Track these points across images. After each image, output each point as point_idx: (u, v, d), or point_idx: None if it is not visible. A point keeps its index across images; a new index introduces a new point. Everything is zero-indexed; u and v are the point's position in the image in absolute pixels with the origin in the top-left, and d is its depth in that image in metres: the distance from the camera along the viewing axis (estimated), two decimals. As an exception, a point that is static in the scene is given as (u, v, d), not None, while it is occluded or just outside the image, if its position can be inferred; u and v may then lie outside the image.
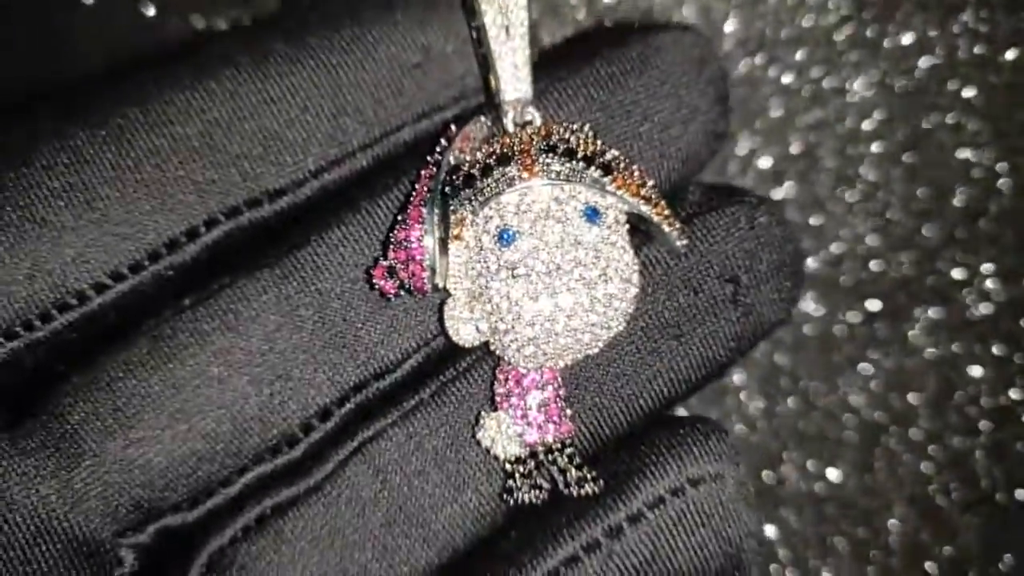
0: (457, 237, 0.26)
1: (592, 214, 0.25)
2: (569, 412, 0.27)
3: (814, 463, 0.41)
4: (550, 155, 0.26)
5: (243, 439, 0.26)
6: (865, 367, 0.40)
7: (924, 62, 0.38)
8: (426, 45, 0.28)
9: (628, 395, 0.27)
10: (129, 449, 0.26)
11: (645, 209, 0.26)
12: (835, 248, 0.39)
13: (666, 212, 0.26)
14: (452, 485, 0.26)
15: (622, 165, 0.26)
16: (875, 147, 0.38)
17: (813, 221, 0.39)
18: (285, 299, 0.26)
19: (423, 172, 0.26)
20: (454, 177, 0.26)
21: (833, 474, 0.41)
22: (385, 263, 0.26)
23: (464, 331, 0.26)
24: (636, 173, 0.26)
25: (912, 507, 0.41)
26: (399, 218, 0.26)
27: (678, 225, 0.26)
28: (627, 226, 0.26)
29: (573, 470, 0.26)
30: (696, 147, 0.29)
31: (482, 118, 0.27)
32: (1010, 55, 0.37)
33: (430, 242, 0.25)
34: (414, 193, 0.26)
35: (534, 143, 0.26)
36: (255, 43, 0.28)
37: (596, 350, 0.26)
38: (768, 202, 0.29)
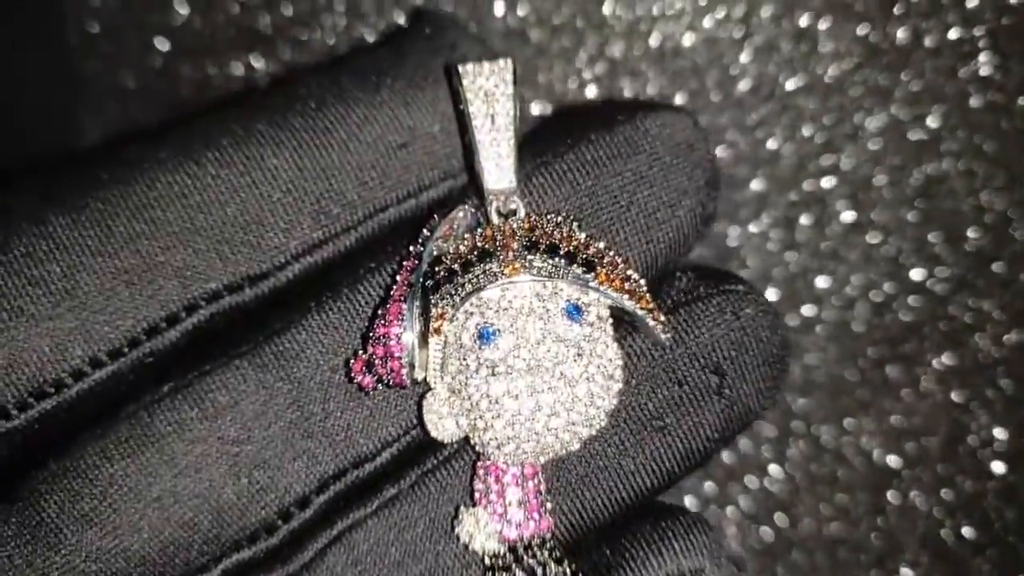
0: (437, 331, 0.26)
1: (574, 311, 0.25)
2: (549, 506, 0.27)
3: (826, 506, 0.41)
4: (532, 251, 0.25)
5: (221, 527, 0.26)
6: (877, 411, 0.40)
7: (936, 109, 0.38)
8: (411, 126, 0.28)
9: (610, 487, 0.27)
10: (106, 539, 0.25)
11: (629, 304, 0.26)
12: (848, 292, 0.39)
13: (650, 306, 0.26)
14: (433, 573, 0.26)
15: (606, 259, 0.26)
16: (887, 192, 0.39)
17: (826, 266, 0.39)
18: (263, 387, 0.26)
19: (405, 264, 0.26)
20: (436, 270, 0.26)
21: (846, 517, 0.41)
22: (364, 356, 0.26)
23: (443, 426, 0.26)
24: (620, 266, 0.26)
25: (925, 550, 0.41)
26: (379, 312, 0.26)
27: (662, 319, 0.26)
28: (611, 320, 0.26)
29: (552, 564, 0.26)
30: (684, 231, 0.29)
31: (465, 206, 0.27)
32: (1022, 102, 0.37)
33: (409, 339, 0.25)
34: (395, 286, 0.26)
35: (516, 238, 0.26)
36: (238, 124, 0.28)
37: (577, 447, 0.26)
38: (755, 292, 0.28)
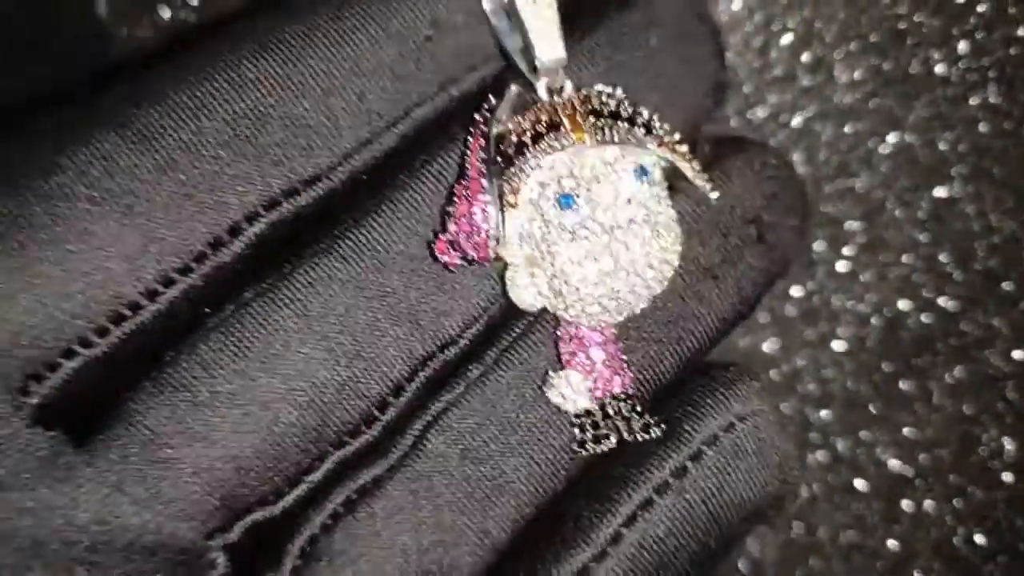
0: (512, 205, 0.26)
1: (641, 172, 0.26)
2: (627, 366, 0.28)
3: (843, 515, 0.42)
4: (596, 118, 0.26)
5: (323, 423, 0.26)
6: (891, 423, 0.41)
7: (946, 135, 0.39)
8: (435, 18, 0.28)
9: (677, 338, 0.28)
10: (214, 448, 0.25)
11: (682, 165, 0.27)
12: (862, 309, 0.41)
13: (698, 167, 0.27)
14: (527, 443, 0.27)
15: (657, 124, 0.27)
16: (899, 214, 0.40)
17: (842, 284, 0.41)
18: (348, 281, 0.26)
19: (472, 143, 0.26)
20: (502, 146, 0.26)
21: (861, 526, 0.42)
22: (446, 236, 0.26)
23: (527, 296, 0.27)
24: (670, 130, 0.27)
25: (937, 556, 0.42)
26: (456, 191, 0.26)
27: (707, 179, 0.27)
28: (663, 180, 0.27)
29: (636, 418, 0.27)
30: (701, 100, 0.30)
31: (514, 87, 0.27)
32: (1029, 130, 0.39)
33: (494, 212, 0.25)
34: (468, 165, 0.26)
35: (577, 108, 0.26)
36: (267, 30, 0.27)
37: (648, 303, 0.27)
38: (775, 149, 0.30)
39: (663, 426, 0.27)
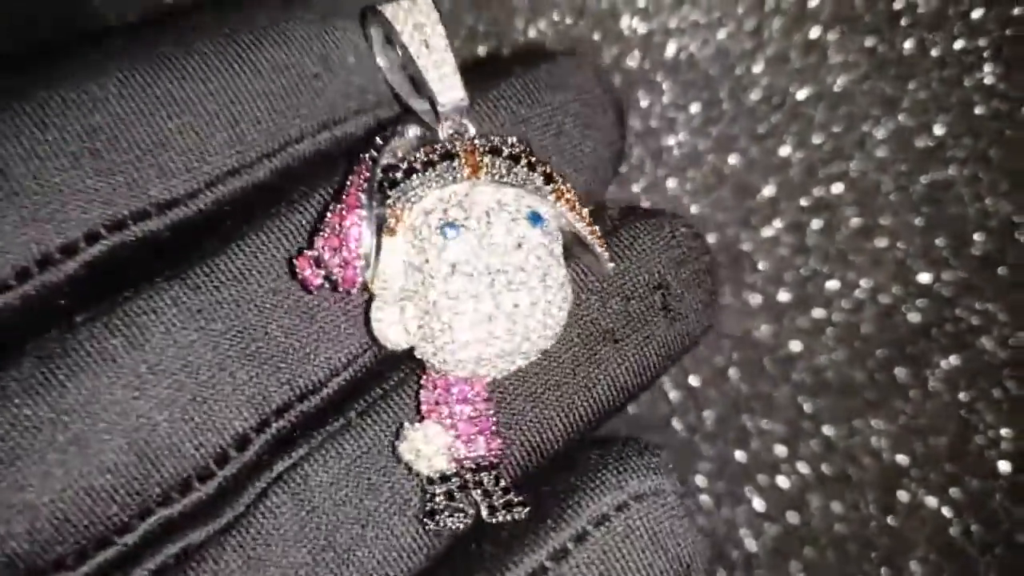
0: (391, 231, 0.24)
1: (535, 219, 0.25)
2: (496, 428, 0.25)
3: (837, 504, 0.42)
4: (495, 156, 0.25)
5: (149, 474, 0.23)
6: (886, 411, 0.41)
7: (942, 117, 0.39)
8: (324, 55, 0.27)
9: (568, 404, 0.26)
10: (8, 493, 0.22)
11: (580, 226, 0.25)
12: (857, 295, 0.40)
13: (598, 233, 0.26)
14: (387, 512, 0.24)
15: (559, 179, 0.25)
16: (894, 198, 0.40)
17: (835, 270, 0.40)
18: (196, 311, 0.24)
19: (357, 167, 0.25)
20: (390, 174, 0.25)
21: (856, 516, 0.41)
22: (311, 252, 0.24)
23: (391, 332, 0.24)
24: (572, 189, 0.26)
25: (933, 547, 0.41)
26: (331, 208, 0.24)
27: (605, 247, 0.26)
28: (560, 236, 0.26)
29: (499, 493, 0.25)
30: (603, 163, 0.29)
31: (414, 127, 0.26)
32: (1025, 112, 0.38)
33: (368, 231, 0.23)
34: (348, 182, 0.25)
35: (477, 147, 0.25)
36: (144, 44, 0.26)
37: (527, 361, 0.25)
38: (684, 218, 0.29)
39: (527, 508, 0.24)
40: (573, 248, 0.27)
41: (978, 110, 0.39)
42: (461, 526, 0.24)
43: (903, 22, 0.38)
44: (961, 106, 0.39)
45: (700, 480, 0.40)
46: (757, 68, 0.39)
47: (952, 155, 0.39)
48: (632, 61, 0.39)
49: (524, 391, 0.26)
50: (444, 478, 0.25)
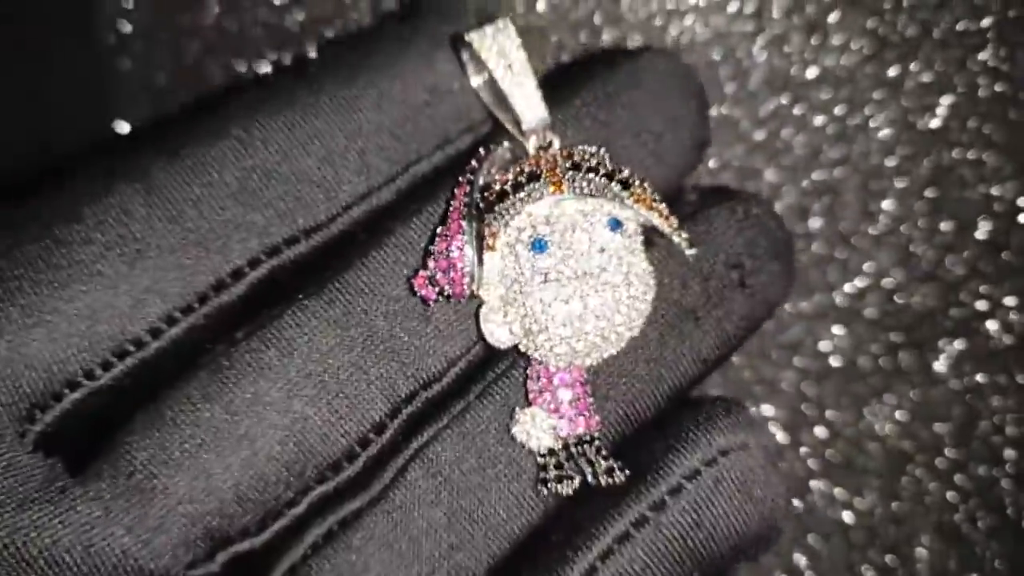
0: (491, 247, 0.28)
1: (615, 224, 0.28)
2: (594, 407, 0.29)
3: (841, 491, 0.41)
4: (575, 172, 0.28)
5: (306, 459, 0.27)
6: (890, 397, 0.41)
7: (945, 99, 0.39)
8: (434, 85, 0.31)
9: (657, 378, 0.29)
10: (197, 480, 0.26)
11: (658, 221, 0.28)
12: (859, 281, 0.40)
13: (675, 224, 0.29)
14: (506, 477, 0.28)
15: (636, 181, 0.28)
16: (898, 182, 0.39)
17: (838, 254, 0.40)
18: (334, 321, 0.28)
19: (457, 191, 0.29)
20: (487, 194, 0.28)
21: (860, 503, 0.41)
22: (426, 272, 0.28)
23: (499, 333, 0.28)
24: (648, 188, 0.29)
25: (938, 534, 0.41)
26: (438, 231, 0.28)
27: (686, 236, 0.29)
28: (640, 232, 0.29)
29: (601, 461, 0.28)
30: (685, 155, 0.32)
31: (505, 144, 0.30)
32: (1029, 93, 0.38)
33: (470, 251, 0.27)
34: (451, 209, 0.28)
35: (559, 163, 0.28)
36: (278, 92, 0.30)
37: (618, 349, 0.28)
38: (759, 196, 0.31)
39: (627, 472, 0.28)
40: (655, 238, 0.29)
41: (982, 92, 0.38)
42: (570, 491, 0.28)
43: (905, 3, 0.38)
44: (965, 88, 0.38)
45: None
46: (758, 51, 0.39)
47: (955, 138, 0.39)
48: (633, 45, 0.39)
49: (618, 370, 0.29)
50: (552, 452, 0.28)
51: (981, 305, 0.40)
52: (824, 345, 0.41)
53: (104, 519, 0.26)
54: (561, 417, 0.28)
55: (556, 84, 0.32)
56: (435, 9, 0.33)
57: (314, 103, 0.29)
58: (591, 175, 0.28)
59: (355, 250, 0.29)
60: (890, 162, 0.39)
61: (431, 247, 0.28)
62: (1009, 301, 0.40)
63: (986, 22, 0.38)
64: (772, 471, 0.28)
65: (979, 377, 0.40)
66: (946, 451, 0.41)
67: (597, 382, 0.29)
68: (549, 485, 0.28)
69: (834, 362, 0.41)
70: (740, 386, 0.41)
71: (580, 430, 0.28)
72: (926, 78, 0.39)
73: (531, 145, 0.30)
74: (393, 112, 0.30)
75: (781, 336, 0.41)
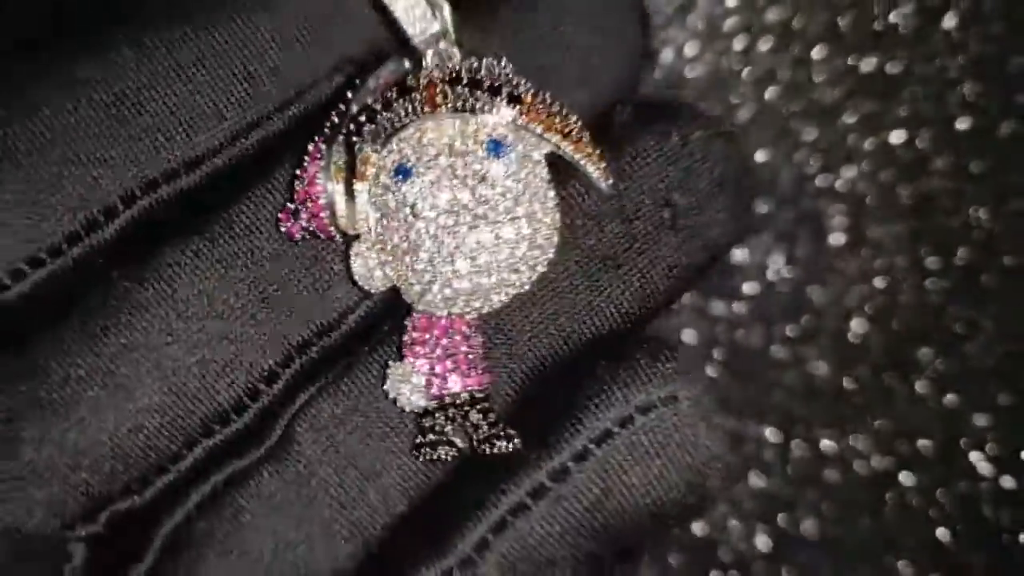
0: (362, 176, 0.24)
1: (496, 147, 0.24)
2: (483, 364, 0.25)
3: (827, 507, 0.42)
4: (454, 86, 0.24)
5: (190, 410, 0.25)
6: (874, 416, 0.42)
7: (925, 132, 0.40)
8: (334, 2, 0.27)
9: (567, 333, 0.26)
10: (70, 432, 0.24)
11: (563, 145, 0.24)
12: (845, 304, 0.42)
13: (588, 149, 0.24)
14: (398, 436, 0.26)
15: (536, 98, 0.24)
16: (881, 210, 0.41)
17: (824, 279, 0.41)
18: (218, 261, 0.25)
19: (332, 113, 0.25)
20: (359, 116, 0.25)
21: (845, 517, 0.42)
22: (291, 206, 0.25)
23: (367, 274, 0.25)
24: (555, 107, 0.24)
25: (922, 549, 0.42)
26: (304, 161, 0.25)
27: (602, 165, 0.24)
28: (543, 161, 0.25)
29: (485, 426, 0.25)
30: (621, 72, 0.27)
31: (391, 63, 0.26)
32: (1005, 129, 0.39)
33: (325, 180, 0.24)
34: (318, 136, 0.25)
35: (441, 76, 0.24)
36: (156, 7, 0.26)
37: (507, 296, 0.25)
38: (703, 114, 0.27)
39: (516, 441, 0.24)
40: (569, 168, 0.25)
41: (959, 125, 0.40)
42: (449, 458, 0.25)
43: (886, 40, 0.39)
44: (943, 121, 0.40)
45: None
46: (746, 87, 0.40)
47: (935, 168, 0.40)
48: None
49: (521, 323, 0.26)
50: (428, 413, 0.25)
51: (961, 329, 0.41)
52: (810, 367, 0.42)
53: None
54: (435, 374, 0.25)
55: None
56: None
57: (203, 18, 0.26)
58: (473, 89, 0.24)
59: (242, 184, 0.26)
60: (873, 191, 0.41)
61: (295, 179, 0.25)
62: (988, 325, 0.41)
63: (963, 59, 0.39)
64: (703, 429, 0.24)
65: (960, 397, 0.42)
66: (928, 468, 0.42)
67: (498, 337, 0.26)
68: (424, 451, 0.25)
69: (820, 383, 0.42)
70: (727, 403, 0.42)
71: (456, 388, 0.25)
72: (906, 112, 0.40)
73: (428, 61, 0.26)
74: (289, 26, 0.26)
75: (767, 356, 0.42)
